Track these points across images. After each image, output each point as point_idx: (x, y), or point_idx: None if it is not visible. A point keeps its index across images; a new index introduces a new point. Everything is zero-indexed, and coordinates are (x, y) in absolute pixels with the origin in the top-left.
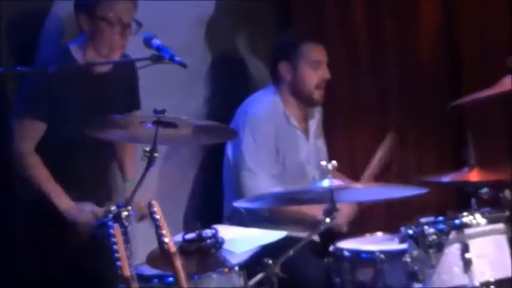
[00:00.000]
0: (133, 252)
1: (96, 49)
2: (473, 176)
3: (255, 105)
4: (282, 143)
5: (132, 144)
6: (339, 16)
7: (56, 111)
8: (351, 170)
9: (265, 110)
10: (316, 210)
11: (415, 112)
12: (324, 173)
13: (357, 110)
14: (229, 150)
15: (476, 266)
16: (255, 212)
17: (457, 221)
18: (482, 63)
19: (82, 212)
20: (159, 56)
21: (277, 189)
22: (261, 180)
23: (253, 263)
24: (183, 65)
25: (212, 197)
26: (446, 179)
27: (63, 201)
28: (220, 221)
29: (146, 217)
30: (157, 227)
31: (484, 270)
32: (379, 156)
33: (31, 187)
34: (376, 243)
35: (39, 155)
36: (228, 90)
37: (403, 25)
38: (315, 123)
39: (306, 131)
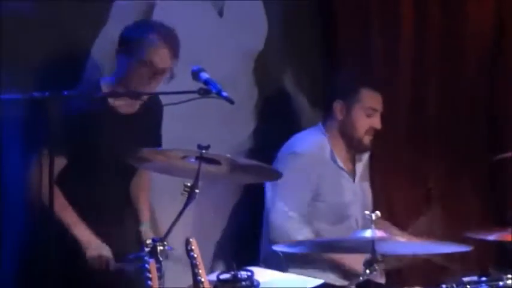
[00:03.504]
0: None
1: (125, 87)
2: None
3: (301, 144)
4: (325, 184)
5: (147, 183)
6: (384, 62)
7: (78, 148)
8: (389, 217)
9: (311, 149)
10: (353, 260)
11: (457, 164)
12: (367, 223)
13: (395, 158)
14: (268, 188)
15: None
16: (293, 257)
17: (500, 283)
18: None
19: (98, 252)
20: (207, 90)
21: (308, 230)
22: (291, 222)
23: None
24: (230, 101)
25: (249, 237)
26: (490, 237)
27: (82, 232)
28: (256, 263)
29: None
30: (194, 266)
31: None
32: None
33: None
34: None
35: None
36: (272, 127)
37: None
38: (361, 166)
39: (352, 173)
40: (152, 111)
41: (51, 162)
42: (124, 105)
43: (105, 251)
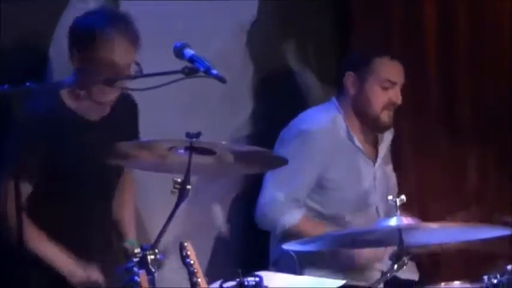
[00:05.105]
0: None
1: (88, 92)
2: None
3: (310, 121)
4: (341, 168)
5: (131, 198)
6: (406, 26)
7: (45, 167)
8: (419, 205)
9: (323, 126)
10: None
11: (495, 141)
12: (391, 210)
13: (426, 138)
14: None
15: None
16: (308, 256)
17: None
18: None
19: (86, 277)
20: (193, 69)
21: (296, 213)
22: (275, 204)
23: None
24: (221, 80)
25: (256, 237)
26: None
27: (63, 261)
28: (265, 267)
29: None
30: (191, 274)
31: None
32: None
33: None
34: None
35: (29, 212)
36: (274, 108)
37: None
38: (384, 147)
39: (373, 155)
40: (124, 113)
41: (16, 190)
42: (90, 110)
43: (94, 274)
